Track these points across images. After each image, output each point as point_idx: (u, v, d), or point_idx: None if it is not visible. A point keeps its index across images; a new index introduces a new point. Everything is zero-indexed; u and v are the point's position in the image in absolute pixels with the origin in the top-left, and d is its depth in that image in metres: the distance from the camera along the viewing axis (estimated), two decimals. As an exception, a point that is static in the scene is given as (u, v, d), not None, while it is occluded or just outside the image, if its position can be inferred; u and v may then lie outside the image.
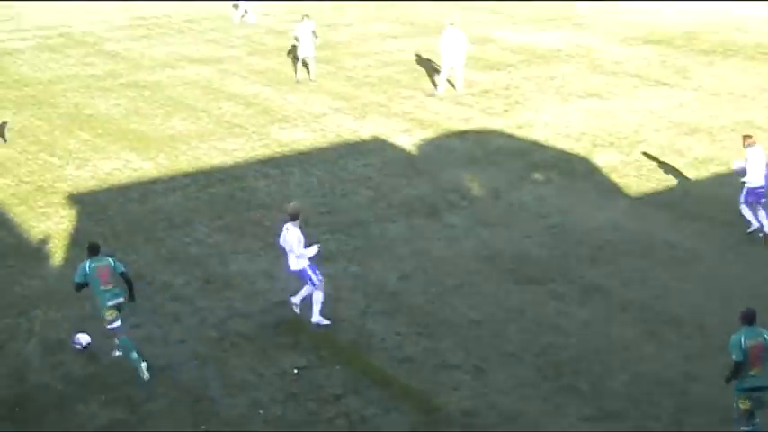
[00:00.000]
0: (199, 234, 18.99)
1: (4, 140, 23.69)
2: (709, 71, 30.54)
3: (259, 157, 23.11)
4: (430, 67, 30.60)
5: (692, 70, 30.71)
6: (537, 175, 22.14)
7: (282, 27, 36.40)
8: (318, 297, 15.36)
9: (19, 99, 27.62)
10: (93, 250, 14.23)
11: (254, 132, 24.81)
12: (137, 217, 19.81)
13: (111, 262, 14.23)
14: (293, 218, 15.23)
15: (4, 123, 24.53)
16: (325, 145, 24.09)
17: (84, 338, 14.71)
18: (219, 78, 29.65)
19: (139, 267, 17.27)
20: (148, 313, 15.76)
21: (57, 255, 18.07)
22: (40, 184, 21.39)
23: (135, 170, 22.27)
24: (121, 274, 14.23)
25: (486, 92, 28.33)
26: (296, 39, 29.44)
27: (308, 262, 15.23)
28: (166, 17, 38.73)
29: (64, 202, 20.44)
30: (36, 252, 18.23)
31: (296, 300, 15.60)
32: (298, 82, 29.19)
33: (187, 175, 22.04)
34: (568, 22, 37.82)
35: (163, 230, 19.13)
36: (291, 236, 15.07)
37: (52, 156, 23.07)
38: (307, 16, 29.41)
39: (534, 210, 20.18)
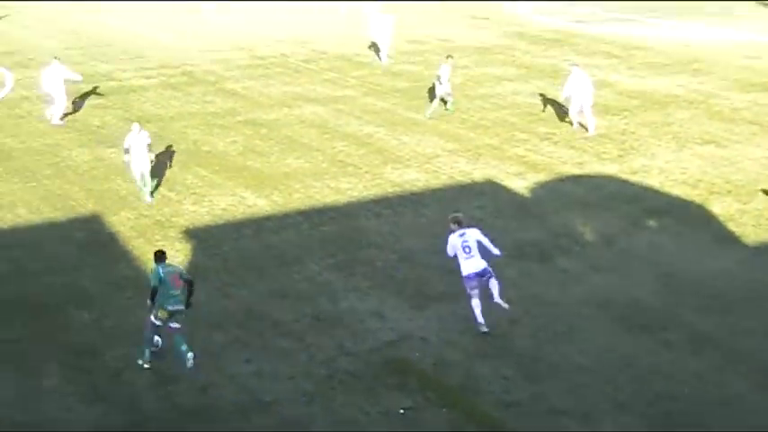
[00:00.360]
0: (309, 271, 19.22)
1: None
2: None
3: (371, 197, 23.32)
4: (547, 111, 30.52)
5: (814, 118, 30.00)
6: (651, 222, 21.85)
7: (397, 68, 36.74)
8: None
9: (141, 135, 28.40)
10: (162, 257, 15.56)
11: (366, 172, 25.05)
12: (249, 253, 20.15)
13: (180, 270, 15.83)
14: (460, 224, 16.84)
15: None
16: (437, 186, 24.19)
17: (158, 341, 15.49)
18: (334, 118, 30.06)
19: (251, 303, 17.58)
20: (259, 349, 16.00)
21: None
22: (158, 218, 21.94)
23: (249, 206, 22.69)
24: (187, 281, 15.47)
25: (601, 136, 28.10)
26: (438, 78, 30.10)
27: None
28: (284, 57, 39.45)
29: (180, 236, 20.93)
30: (152, 284, 18.64)
31: (499, 300, 16.48)
32: (430, 118, 29.77)
33: (300, 212, 22.36)
34: (686, 67, 37.32)
35: (275, 267, 19.42)
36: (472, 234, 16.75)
37: (171, 191, 23.66)
38: (450, 56, 30.61)
39: (647, 257, 19.90)
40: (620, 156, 26.41)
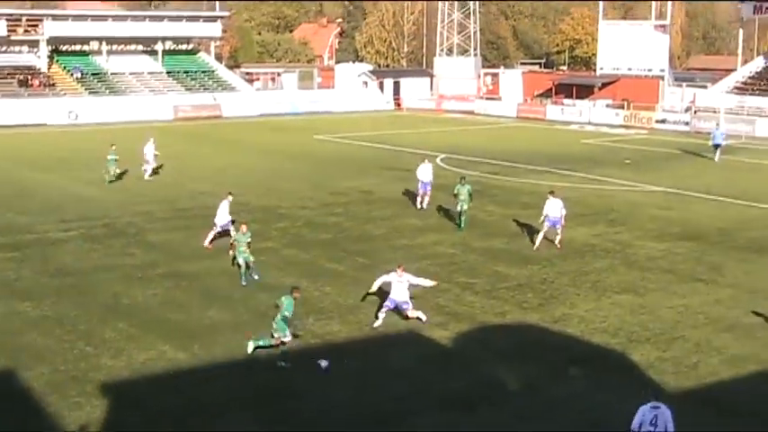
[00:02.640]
0: (234, 427, 18.80)
1: None
2: (743, 268, 30.55)
3: (294, 349, 23.10)
4: (465, 261, 30.86)
5: (726, 267, 30.74)
6: (574, 371, 21.92)
7: (320, 220, 37.01)
8: None
9: (59, 288, 27.96)
10: (296, 290, 22.30)
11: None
12: (170, 407, 19.69)
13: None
14: None
15: None
16: (360, 337, 24.08)
17: (323, 362, 18.26)
18: (259, 269, 29.96)
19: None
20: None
21: (88, 445, 17.92)
22: (74, 373, 21.38)
23: (169, 360, 22.28)
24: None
25: (521, 286, 28.42)
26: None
27: None
28: (206, 209, 39.47)
29: (97, 391, 20.40)
30: (68, 442, 18.09)
31: None
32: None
33: (222, 365, 22.02)
34: (602, 217, 38.21)
35: (198, 422, 18.96)
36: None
37: (88, 345, 23.17)
38: (463, 178, 36.64)
39: (572, 406, 19.90)
40: (541, 305, 26.67)
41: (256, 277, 28.61)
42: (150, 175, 47.58)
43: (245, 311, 25.92)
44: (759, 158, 57.81)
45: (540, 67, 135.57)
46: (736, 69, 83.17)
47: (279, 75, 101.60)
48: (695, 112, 76.93)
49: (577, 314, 25.89)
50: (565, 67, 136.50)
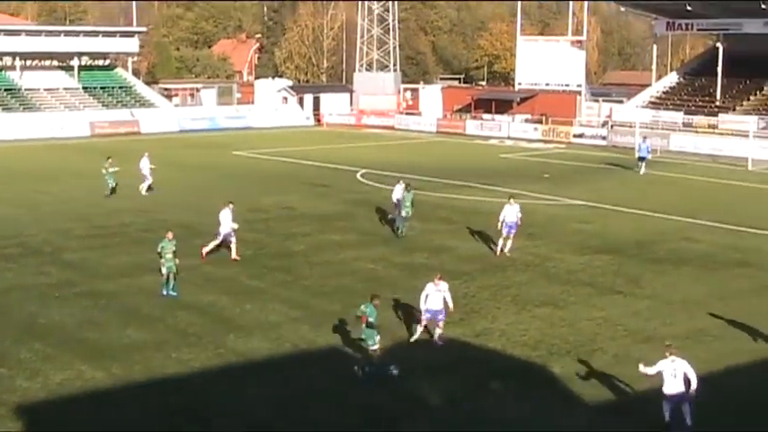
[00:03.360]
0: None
1: None
2: (661, 280, 31.01)
3: (214, 367, 22.84)
4: (386, 277, 30.88)
5: (644, 279, 31.18)
6: (495, 384, 22.01)
7: (239, 236, 36.70)
8: None
9: (-29, 308, 27.33)
10: (375, 297, 22.43)
11: (209, 342, 24.58)
12: (87, 428, 19.32)
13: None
14: None
15: None
16: (281, 354, 23.90)
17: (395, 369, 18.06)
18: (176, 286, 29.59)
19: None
20: None
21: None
22: (-12, 395, 20.90)
23: (87, 380, 21.87)
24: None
25: (443, 300, 28.45)
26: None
27: None
28: (123, 226, 39.01)
29: (12, 414, 19.92)
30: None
31: None
32: (399, 237, 36.90)
33: (141, 385, 21.66)
34: (522, 231, 38.43)
35: (114, 443, 18.65)
36: None
37: (2, 366, 22.62)
38: (408, 185, 38.34)
39: (494, 419, 19.96)
40: (462, 319, 26.73)
41: (174, 294, 28.29)
42: (147, 191, 47.36)
43: (165, 330, 25.57)
44: (674, 172, 58.85)
45: (460, 82, 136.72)
46: (650, 85, 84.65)
47: (198, 90, 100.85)
48: (612, 126, 78.10)
49: (498, 328, 26.02)
50: (484, 83, 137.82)
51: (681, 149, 69.00)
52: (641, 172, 57.94)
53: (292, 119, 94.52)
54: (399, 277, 31.13)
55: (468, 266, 32.67)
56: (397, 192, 38.30)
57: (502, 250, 34.41)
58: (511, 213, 34.22)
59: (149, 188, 47.42)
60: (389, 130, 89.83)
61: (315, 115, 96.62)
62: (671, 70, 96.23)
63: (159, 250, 28.54)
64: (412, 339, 24.68)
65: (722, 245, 36.64)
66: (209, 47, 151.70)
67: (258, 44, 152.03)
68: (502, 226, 34.26)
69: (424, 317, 24.54)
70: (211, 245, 32.94)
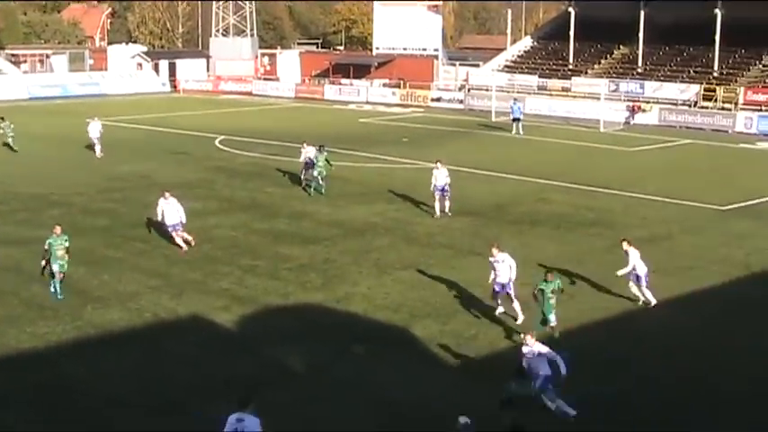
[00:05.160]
0: (7, 427, 17.98)
1: None
2: (518, 240, 31.53)
3: (71, 340, 22.31)
4: (247, 243, 30.65)
5: (502, 240, 31.54)
6: (357, 348, 22.10)
7: (96, 206, 35.89)
8: None
9: None
10: (549, 273, 22.78)
11: (66, 314, 23.98)
12: (-62, 409, 18.68)
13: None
14: None
15: None
16: (141, 325, 23.50)
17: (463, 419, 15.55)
18: (30, 260, 28.56)
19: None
20: None
21: None
22: None
23: (-63, 359, 21.13)
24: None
25: (303, 266, 28.43)
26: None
27: None
28: (-28, 199, 37.68)
29: None
30: None
31: None
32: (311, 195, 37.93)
33: (-5, 361, 21.03)
34: (382, 196, 38.68)
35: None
36: None
37: None
38: (322, 146, 39.77)
39: (359, 384, 20.07)
40: (324, 284, 26.76)
41: (61, 298, 25.06)
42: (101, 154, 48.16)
43: (19, 304, 24.85)
44: (529, 134, 59.90)
45: (317, 47, 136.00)
46: (506, 49, 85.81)
47: (47, 57, 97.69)
48: (469, 90, 78.97)
49: (360, 292, 26.13)
50: (342, 48, 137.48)
51: (536, 112, 70.21)
52: (518, 133, 59.53)
53: (148, 85, 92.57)
54: (260, 244, 30.94)
55: (328, 231, 32.67)
56: (310, 152, 39.62)
57: (443, 211, 35.08)
58: (440, 177, 35.05)
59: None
60: (247, 96, 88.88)
61: (171, 81, 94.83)
62: (525, 34, 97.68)
63: (47, 247, 25.25)
64: (497, 313, 24.22)
65: (577, 205, 37.54)
66: (59, 12, 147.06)
67: (110, 9, 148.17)
68: (434, 189, 35.08)
69: (495, 288, 24.32)
70: (178, 239, 30.15)
